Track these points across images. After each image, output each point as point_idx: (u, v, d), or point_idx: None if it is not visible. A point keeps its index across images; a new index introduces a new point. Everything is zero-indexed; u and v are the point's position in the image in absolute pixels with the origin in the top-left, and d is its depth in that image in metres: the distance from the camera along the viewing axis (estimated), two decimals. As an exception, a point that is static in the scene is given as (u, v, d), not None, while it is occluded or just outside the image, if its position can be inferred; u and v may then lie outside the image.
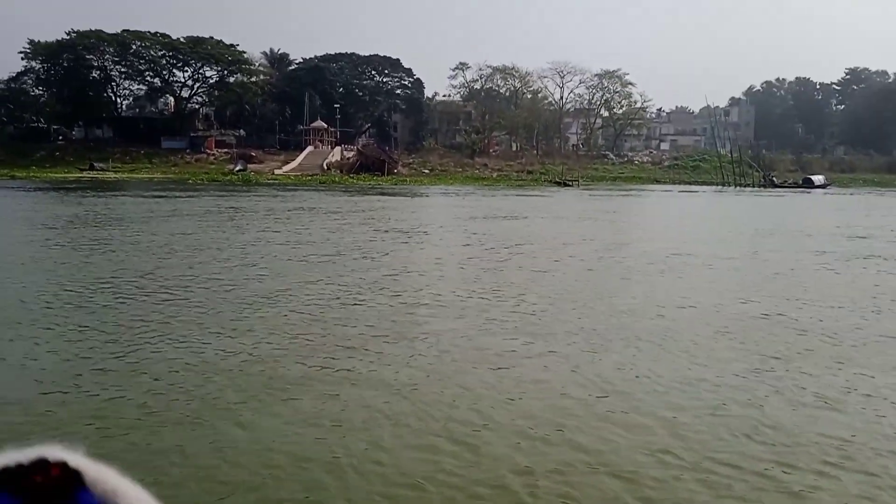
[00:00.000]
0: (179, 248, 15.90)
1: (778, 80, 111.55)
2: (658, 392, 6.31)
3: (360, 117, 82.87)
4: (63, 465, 0.40)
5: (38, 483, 0.39)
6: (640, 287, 11.79)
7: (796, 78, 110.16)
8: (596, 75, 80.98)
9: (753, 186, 63.61)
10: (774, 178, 66.32)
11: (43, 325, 8.51)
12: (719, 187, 61.62)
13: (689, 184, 64.75)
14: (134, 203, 31.99)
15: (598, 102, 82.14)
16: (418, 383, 6.49)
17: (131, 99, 78.67)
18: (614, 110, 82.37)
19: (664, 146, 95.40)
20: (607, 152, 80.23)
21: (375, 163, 66.89)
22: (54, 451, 0.41)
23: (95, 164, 63.14)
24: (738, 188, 61.63)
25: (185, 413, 5.67)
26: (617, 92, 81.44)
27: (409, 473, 4.67)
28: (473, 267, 13.98)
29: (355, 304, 9.95)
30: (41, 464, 0.40)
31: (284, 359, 7.19)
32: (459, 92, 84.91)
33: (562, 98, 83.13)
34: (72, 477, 0.40)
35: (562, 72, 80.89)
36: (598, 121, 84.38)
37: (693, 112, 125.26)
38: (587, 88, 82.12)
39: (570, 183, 59.40)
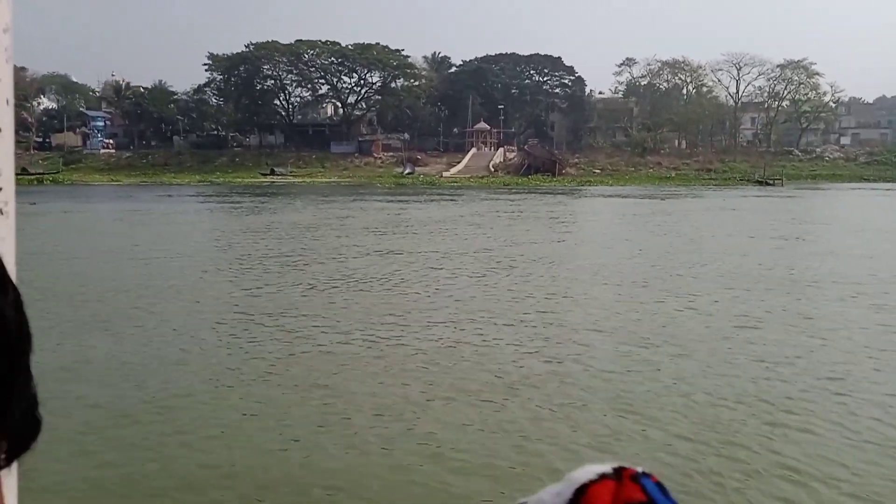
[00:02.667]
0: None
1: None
2: None
3: (517, 117, 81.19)
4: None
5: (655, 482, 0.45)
6: None
7: None
8: (778, 66, 74.44)
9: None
10: None
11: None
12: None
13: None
14: (368, 207, 31.92)
15: (781, 95, 75.27)
16: None
17: (299, 106, 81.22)
18: (799, 103, 75.27)
19: (844, 140, 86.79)
20: (792, 148, 73.65)
21: (545, 164, 64.94)
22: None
23: (276, 169, 65.40)
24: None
25: None
26: (802, 83, 74.41)
27: None
28: None
29: None
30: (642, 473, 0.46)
31: None
32: (621, 88, 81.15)
33: (737, 91, 77.20)
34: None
35: (738, 63, 75.03)
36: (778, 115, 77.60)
37: (868, 102, 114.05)
38: (767, 80, 75.69)
39: (772, 182, 54.53)
